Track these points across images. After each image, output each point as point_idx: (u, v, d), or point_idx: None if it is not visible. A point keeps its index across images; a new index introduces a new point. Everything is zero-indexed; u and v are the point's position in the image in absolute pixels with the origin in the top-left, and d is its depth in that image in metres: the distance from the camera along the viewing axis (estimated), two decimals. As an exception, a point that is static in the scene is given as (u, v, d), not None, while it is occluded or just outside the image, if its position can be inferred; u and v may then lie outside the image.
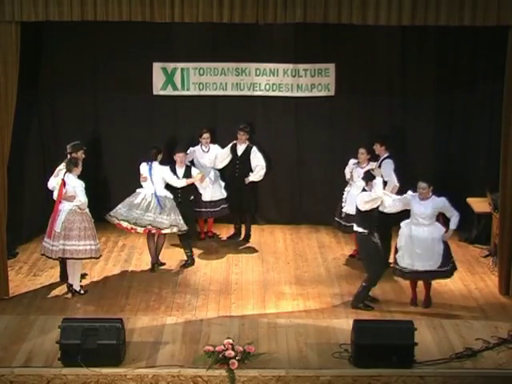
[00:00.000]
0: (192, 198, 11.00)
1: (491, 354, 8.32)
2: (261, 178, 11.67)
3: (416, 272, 9.41)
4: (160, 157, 10.66)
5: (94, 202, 11.44)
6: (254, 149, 11.58)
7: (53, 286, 10.02)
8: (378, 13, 9.00)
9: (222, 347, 7.97)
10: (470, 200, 11.51)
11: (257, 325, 8.97)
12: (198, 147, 11.68)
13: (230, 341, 8.07)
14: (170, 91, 12.21)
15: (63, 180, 9.61)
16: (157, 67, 12.14)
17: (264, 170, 11.61)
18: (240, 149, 11.60)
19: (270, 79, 12.19)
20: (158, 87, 12.19)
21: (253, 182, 11.69)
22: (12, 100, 9.22)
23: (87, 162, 10.99)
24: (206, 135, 11.58)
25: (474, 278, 10.48)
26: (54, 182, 9.88)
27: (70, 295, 9.72)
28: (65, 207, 9.62)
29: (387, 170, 10.48)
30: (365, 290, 9.47)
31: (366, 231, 9.36)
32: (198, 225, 11.88)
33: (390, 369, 7.92)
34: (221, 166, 11.76)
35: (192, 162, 11.44)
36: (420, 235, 9.34)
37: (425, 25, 9.19)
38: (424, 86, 12.05)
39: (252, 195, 11.94)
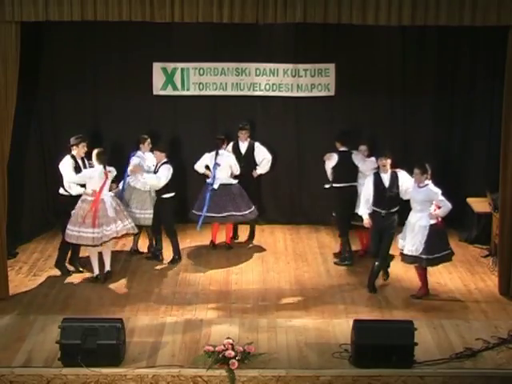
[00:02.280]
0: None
1: (491, 354, 8.32)
2: (267, 170, 11.74)
3: (406, 255, 9.74)
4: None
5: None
6: (257, 144, 11.65)
7: (53, 286, 10.02)
8: (378, 13, 9.00)
9: (222, 347, 7.98)
10: (469, 200, 11.52)
11: (257, 325, 8.97)
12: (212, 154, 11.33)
13: (230, 341, 8.07)
14: (170, 91, 12.22)
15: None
16: (157, 67, 12.14)
17: (270, 162, 11.68)
18: (243, 147, 11.64)
19: (269, 79, 12.20)
20: (158, 87, 12.20)
21: (259, 176, 11.78)
22: (12, 100, 9.22)
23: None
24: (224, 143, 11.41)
25: (473, 278, 10.47)
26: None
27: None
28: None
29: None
30: (377, 268, 9.93)
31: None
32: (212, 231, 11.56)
33: (389, 369, 7.92)
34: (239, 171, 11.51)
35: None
36: (411, 220, 9.67)
37: (425, 25, 9.19)
38: (424, 85, 12.07)
39: (258, 194, 11.94)
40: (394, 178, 9.85)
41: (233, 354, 7.91)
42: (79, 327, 7.93)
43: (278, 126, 12.40)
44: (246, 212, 11.27)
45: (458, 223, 12.03)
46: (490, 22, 9.02)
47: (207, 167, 11.31)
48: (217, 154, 11.16)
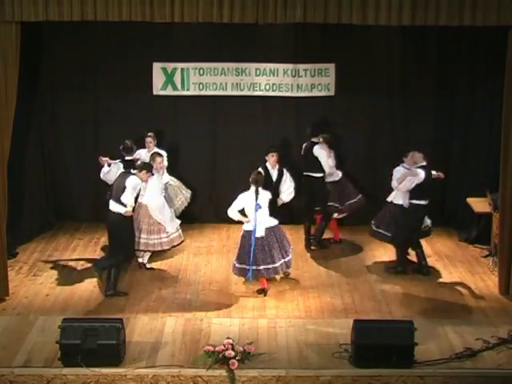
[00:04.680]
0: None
1: (491, 354, 8.32)
2: (291, 198, 10.97)
3: None
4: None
5: (94, 201, 11.52)
6: (285, 171, 10.84)
7: (53, 286, 10.03)
8: (378, 13, 9.00)
9: (222, 347, 7.98)
10: (469, 200, 11.51)
11: (257, 325, 8.97)
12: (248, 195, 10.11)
13: (230, 341, 8.07)
14: (170, 91, 12.21)
15: None
16: (157, 67, 12.14)
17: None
18: (274, 173, 10.73)
19: (269, 79, 12.19)
20: (158, 87, 12.19)
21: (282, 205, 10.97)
22: (12, 100, 9.22)
23: (87, 162, 11.00)
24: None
25: (473, 278, 10.47)
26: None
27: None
28: None
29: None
30: (401, 254, 10.55)
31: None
32: None
33: (389, 369, 7.92)
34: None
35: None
36: None
37: (425, 25, 9.18)
38: (424, 86, 12.06)
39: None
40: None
41: (233, 353, 7.91)
42: (79, 327, 7.93)
43: (278, 126, 12.39)
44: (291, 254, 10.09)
45: (458, 223, 12.05)
46: (490, 22, 9.02)
47: (240, 211, 9.82)
48: (257, 193, 9.68)
